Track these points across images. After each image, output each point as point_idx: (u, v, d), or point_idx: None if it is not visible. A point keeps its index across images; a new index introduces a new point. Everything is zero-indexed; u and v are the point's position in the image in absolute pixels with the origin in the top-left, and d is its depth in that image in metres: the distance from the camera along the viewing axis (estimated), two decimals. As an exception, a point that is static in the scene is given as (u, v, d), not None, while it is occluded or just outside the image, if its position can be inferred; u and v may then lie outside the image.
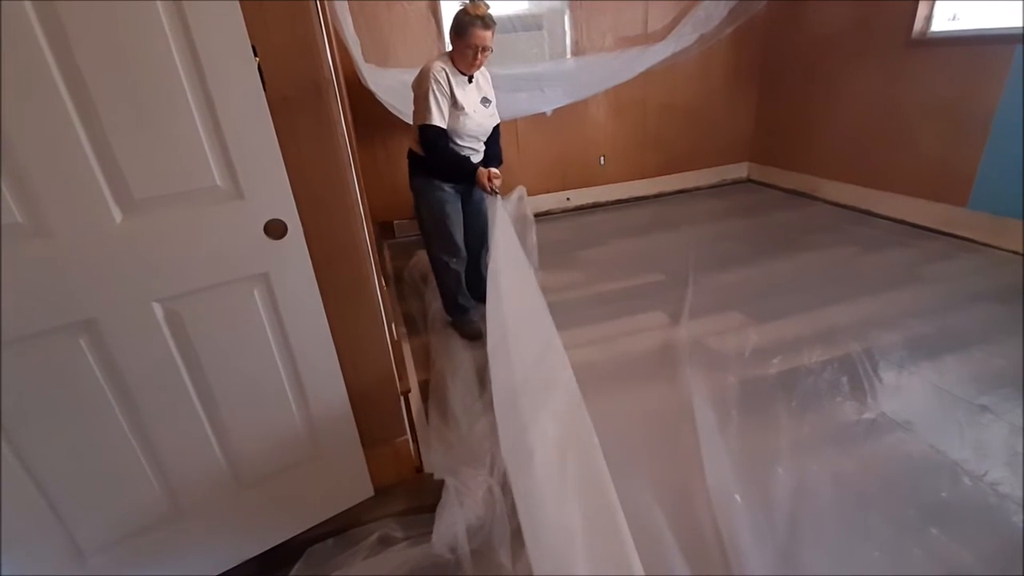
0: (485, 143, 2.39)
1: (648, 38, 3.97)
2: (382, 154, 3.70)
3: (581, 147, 4.25)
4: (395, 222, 4.02)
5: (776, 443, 1.72)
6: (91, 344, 1.12)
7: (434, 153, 2.20)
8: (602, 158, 4.34)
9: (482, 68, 2.26)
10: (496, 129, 2.42)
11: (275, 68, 1.22)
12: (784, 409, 1.88)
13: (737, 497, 1.51)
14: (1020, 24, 2.76)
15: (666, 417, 1.87)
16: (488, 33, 2.10)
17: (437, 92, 2.12)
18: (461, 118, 2.20)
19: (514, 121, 3.86)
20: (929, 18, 3.23)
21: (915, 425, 1.77)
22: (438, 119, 2.14)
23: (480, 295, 2.46)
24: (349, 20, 2.96)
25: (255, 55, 1.17)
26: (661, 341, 2.39)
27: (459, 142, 2.26)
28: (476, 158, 2.34)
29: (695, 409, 1.87)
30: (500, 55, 3.80)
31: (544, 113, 3.91)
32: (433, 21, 3.62)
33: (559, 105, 3.88)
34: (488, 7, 2.10)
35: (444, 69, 2.14)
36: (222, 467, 1.36)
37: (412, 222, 3.93)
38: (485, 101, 2.30)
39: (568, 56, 3.97)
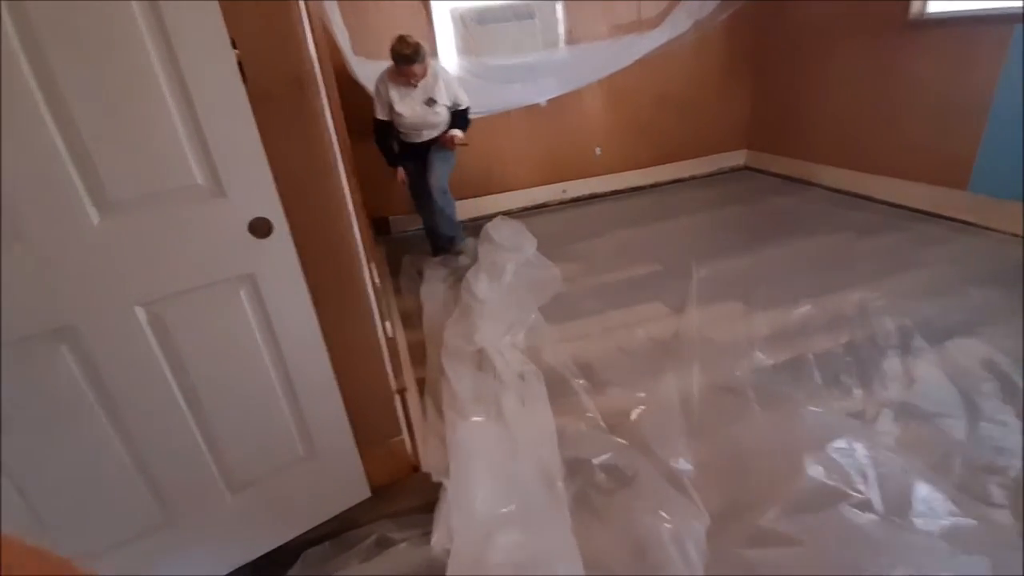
0: (452, 121, 3.01)
1: (642, 25, 3.91)
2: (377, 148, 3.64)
3: (576, 138, 4.20)
4: (391, 217, 3.98)
5: (781, 433, 1.69)
6: (72, 351, 1.09)
7: (375, 139, 3.06)
8: (598, 149, 4.29)
9: (435, 71, 2.87)
10: (461, 112, 3.03)
11: (255, 61, 1.18)
12: (789, 398, 1.85)
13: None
14: (1019, 3, 2.71)
15: (667, 409, 1.84)
16: (413, 67, 2.70)
17: (376, 99, 2.90)
18: (396, 118, 2.92)
19: (507, 113, 3.80)
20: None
21: (921, 410, 1.74)
22: (380, 115, 2.92)
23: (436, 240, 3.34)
24: (337, 12, 2.91)
25: (234, 48, 1.13)
26: (661, 332, 2.36)
27: (400, 130, 3.01)
28: (420, 138, 3.03)
29: (696, 401, 1.85)
30: (492, 46, 3.77)
31: (539, 104, 3.86)
32: (424, 12, 3.56)
33: (553, 95, 3.82)
34: (413, 41, 2.67)
35: (386, 81, 2.84)
36: (212, 472, 1.33)
37: (408, 217, 3.90)
38: (430, 101, 2.88)
39: (561, 45, 3.92)
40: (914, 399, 1.81)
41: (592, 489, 1.52)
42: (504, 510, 1.42)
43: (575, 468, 1.61)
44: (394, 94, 2.82)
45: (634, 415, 1.84)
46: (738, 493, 1.48)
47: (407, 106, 2.86)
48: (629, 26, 3.93)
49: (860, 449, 1.55)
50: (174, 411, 1.24)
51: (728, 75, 4.37)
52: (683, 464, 1.54)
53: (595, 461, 1.60)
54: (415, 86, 2.83)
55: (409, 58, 2.65)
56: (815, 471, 1.48)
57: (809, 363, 2.03)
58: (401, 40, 2.66)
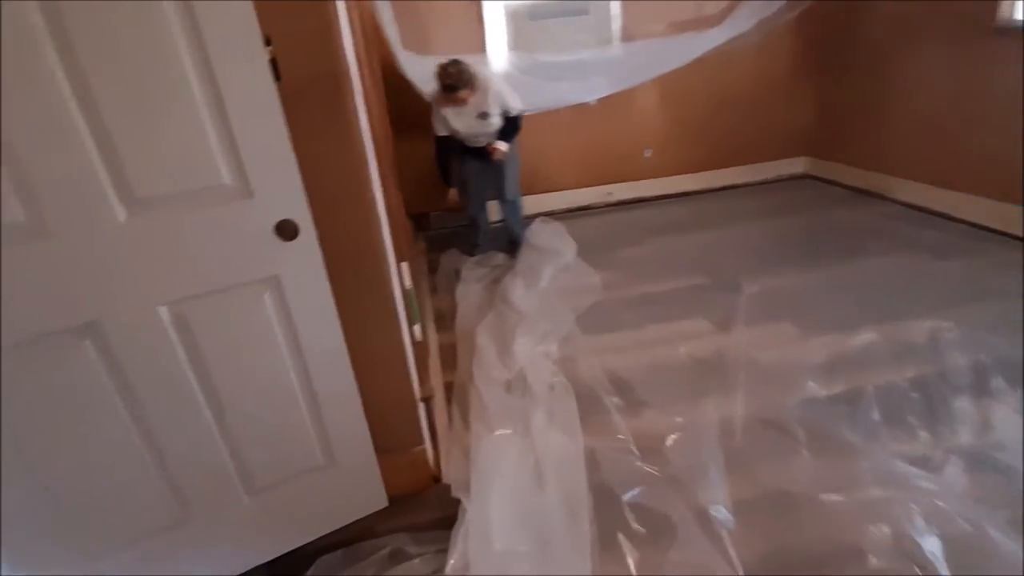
0: (501, 129, 2.97)
1: (702, 23, 3.72)
2: (423, 143, 3.60)
3: (625, 138, 4.05)
4: (431, 213, 3.95)
5: (834, 482, 1.53)
6: (96, 348, 1.09)
7: (436, 154, 3.14)
8: (647, 151, 4.12)
9: (484, 84, 2.83)
10: (511, 119, 2.97)
11: (289, 58, 1.15)
12: (844, 437, 1.68)
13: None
14: None
15: (705, 440, 1.71)
16: (456, 94, 2.73)
17: (434, 117, 2.97)
18: (454, 132, 2.97)
19: (555, 110, 3.69)
20: (1016, 4, 2.85)
21: (998, 461, 1.56)
22: (440, 131, 3.00)
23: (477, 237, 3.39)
24: (388, 6, 2.88)
25: (268, 45, 1.09)
26: (703, 351, 2.22)
27: (460, 138, 3.02)
28: (479, 143, 3.02)
29: (738, 433, 1.71)
30: (544, 42, 3.68)
31: (588, 102, 3.73)
32: (475, 8, 3.50)
33: (604, 94, 3.69)
34: (454, 70, 2.68)
35: (439, 109, 2.91)
36: (230, 473, 1.32)
37: (448, 214, 3.86)
38: (483, 115, 2.88)
39: (615, 42, 3.77)
40: (988, 447, 1.62)
41: (619, 530, 1.42)
42: (523, 548, 1.34)
43: (602, 500, 1.52)
44: (448, 112, 2.89)
45: (669, 441, 1.73)
46: (783, 554, 1.35)
47: (461, 122, 2.93)
48: (688, 23, 3.74)
49: (925, 506, 1.38)
50: (194, 411, 1.23)
51: (792, 77, 4.10)
52: (721, 512, 1.42)
53: (624, 497, 1.50)
54: (466, 104, 2.86)
55: (451, 87, 2.71)
56: (873, 537, 1.33)
57: (868, 397, 1.85)
58: (444, 70, 2.70)
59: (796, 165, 4.44)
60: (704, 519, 1.41)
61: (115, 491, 1.20)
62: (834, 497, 1.45)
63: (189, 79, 1.02)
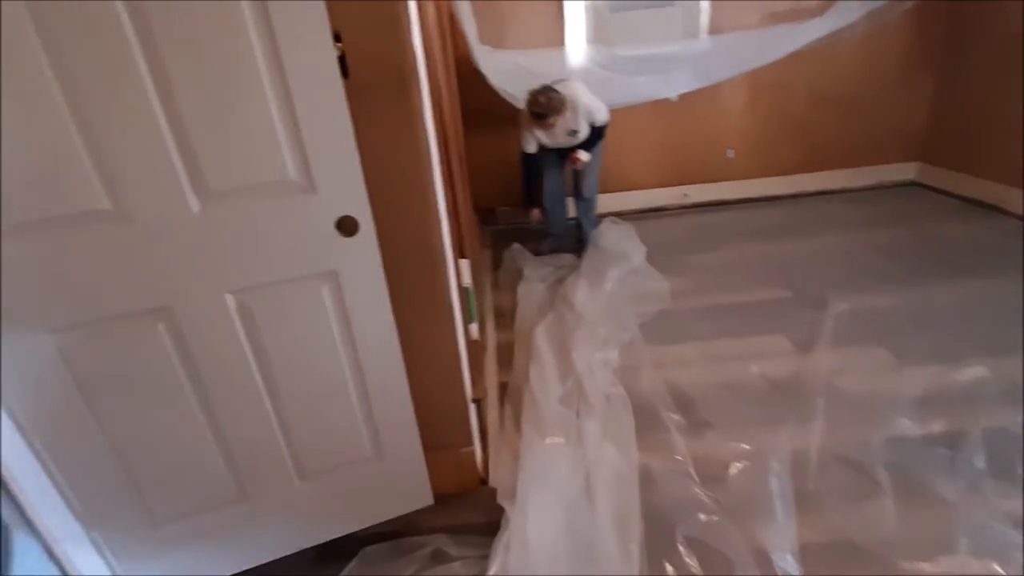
0: (584, 142, 2.99)
1: (802, 13, 3.42)
2: (495, 138, 3.59)
3: (707, 137, 3.83)
4: (498, 209, 3.94)
5: (921, 535, 1.36)
6: (168, 330, 1.15)
7: (523, 169, 3.21)
8: (730, 151, 3.87)
9: (573, 103, 2.81)
10: (597, 129, 2.97)
11: (357, 55, 1.15)
12: (938, 488, 1.49)
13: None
14: None
15: (774, 473, 1.57)
16: (546, 121, 2.77)
17: (524, 138, 2.99)
18: (543, 147, 3.04)
19: (632, 107, 3.55)
20: None
21: None
22: (528, 149, 3.03)
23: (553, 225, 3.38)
24: (467, 4, 2.87)
25: (338, 41, 1.10)
26: (779, 372, 2.05)
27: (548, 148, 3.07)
28: (561, 149, 3.06)
29: (813, 469, 1.56)
30: (625, 35, 3.54)
31: (669, 98, 3.55)
32: (556, 3, 3.42)
33: (687, 90, 3.49)
34: (543, 99, 2.71)
35: (531, 128, 2.91)
36: (284, 457, 1.36)
37: (514, 210, 3.83)
38: (571, 132, 2.92)
39: (703, 34, 3.56)
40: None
41: (668, 560, 1.34)
42: (566, 565, 1.29)
43: (653, 524, 1.44)
44: (539, 132, 2.96)
45: (733, 470, 1.61)
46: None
47: (551, 139, 3.01)
48: (787, 14, 3.46)
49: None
50: (254, 395, 1.28)
51: (904, 72, 3.69)
52: (786, 560, 1.29)
53: (679, 530, 1.41)
54: (554, 127, 2.90)
55: (540, 115, 2.77)
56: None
57: (972, 441, 1.62)
58: (534, 99, 2.74)
59: (904, 171, 4.01)
60: (765, 563, 1.29)
61: (180, 465, 1.27)
62: (917, 566, 1.27)
63: (261, 76, 1.04)
